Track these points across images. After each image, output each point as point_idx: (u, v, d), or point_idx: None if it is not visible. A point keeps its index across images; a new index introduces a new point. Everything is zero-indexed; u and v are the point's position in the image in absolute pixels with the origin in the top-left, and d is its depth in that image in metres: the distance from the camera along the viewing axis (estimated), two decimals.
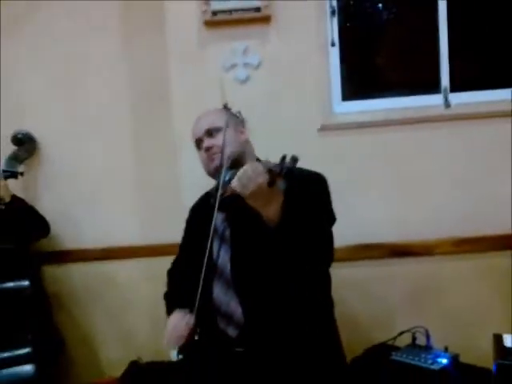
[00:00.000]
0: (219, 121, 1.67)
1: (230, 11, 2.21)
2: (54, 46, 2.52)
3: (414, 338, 2.06)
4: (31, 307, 2.27)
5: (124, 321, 2.57)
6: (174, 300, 1.74)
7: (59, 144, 2.57)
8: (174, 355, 1.56)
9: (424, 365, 1.85)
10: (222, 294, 1.56)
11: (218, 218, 1.56)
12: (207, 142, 1.67)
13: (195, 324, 1.53)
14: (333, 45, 2.31)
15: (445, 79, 2.32)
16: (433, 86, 2.33)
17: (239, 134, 1.72)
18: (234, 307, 1.52)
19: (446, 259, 2.27)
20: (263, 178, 1.29)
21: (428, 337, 2.03)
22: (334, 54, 2.33)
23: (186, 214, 2.32)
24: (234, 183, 1.33)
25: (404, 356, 1.93)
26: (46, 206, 2.55)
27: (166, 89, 2.33)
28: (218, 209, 1.50)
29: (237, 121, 1.76)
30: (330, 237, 1.47)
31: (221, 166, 1.52)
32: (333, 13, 2.30)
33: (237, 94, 2.22)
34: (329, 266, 1.52)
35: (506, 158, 2.27)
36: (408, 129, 2.28)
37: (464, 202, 2.28)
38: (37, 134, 2.55)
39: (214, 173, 1.64)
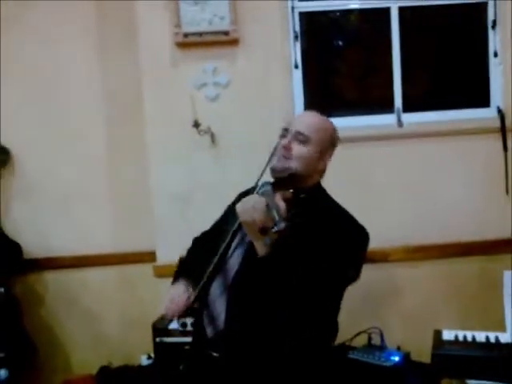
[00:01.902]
0: (316, 133, 1.53)
1: (200, 34, 2.36)
2: (28, 59, 2.61)
3: (369, 339, 2.22)
4: (4, 314, 2.32)
5: (95, 327, 2.65)
6: (183, 269, 1.68)
7: (32, 155, 2.64)
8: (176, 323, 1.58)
9: (377, 362, 2.02)
10: (217, 292, 1.51)
11: None
12: (287, 141, 1.51)
13: (193, 301, 1.52)
14: (296, 67, 2.49)
15: (398, 101, 2.52)
16: (387, 107, 2.53)
17: (318, 159, 1.54)
18: (220, 311, 1.47)
19: (400, 265, 2.45)
20: (259, 218, 1.29)
21: (382, 337, 2.21)
22: (297, 75, 2.50)
23: (156, 223, 2.45)
24: (238, 205, 1.37)
25: (360, 355, 2.09)
26: (18, 215, 2.62)
27: (139, 105, 2.44)
28: None
29: (329, 147, 1.60)
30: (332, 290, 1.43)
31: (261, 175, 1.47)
32: (296, 37, 2.48)
33: (207, 112, 2.37)
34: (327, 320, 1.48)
35: (454, 173, 2.48)
36: (365, 146, 2.46)
37: (415, 213, 2.47)
38: (10, 145, 2.61)
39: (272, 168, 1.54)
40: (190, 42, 2.37)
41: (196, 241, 1.80)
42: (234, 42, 2.38)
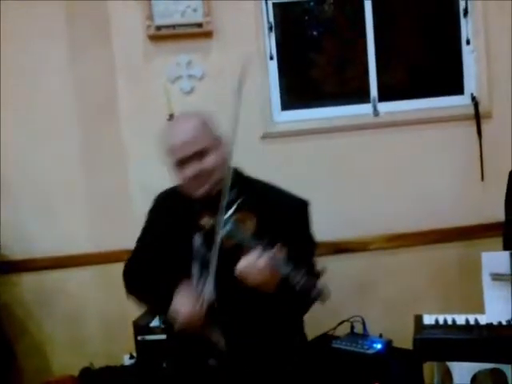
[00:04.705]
0: (202, 138, 1.51)
1: (173, 26, 2.33)
2: None
3: (352, 327, 2.24)
4: None
5: (76, 328, 2.60)
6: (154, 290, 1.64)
7: (6, 155, 2.57)
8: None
9: (360, 350, 2.04)
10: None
11: (197, 240, 1.52)
12: (195, 168, 1.49)
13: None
14: (271, 58, 2.48)
15: (373, 90, 2.53)
16: (363, 96, 2.53)
17: (223, 150, 1.55)
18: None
19: (379, 254, 2.47)
20: (265, 274, 1.33)
21: (364, 325, 2.23)
22: (273, 66, 2.49)
23: (136, 221, 2.40)
24: (238, 271, 1.35)
25: (343, 343, 2.10)
26: None
27: (113, 100, 2.40)
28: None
29: (215, 132, 1.59)
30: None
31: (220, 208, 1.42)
32: (270, 28, 2.46)
33: (182, 105, 2.34)
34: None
35: (430, 161, 2.51)
36: (342, 136, 2.46)
37: (393, 202, 2.49)
38: None
39: (202, 198, 1.51)
40: (163, 35, 2.33)
41: (129, 272, 1.76)
42: (208, 34, 2.36)
